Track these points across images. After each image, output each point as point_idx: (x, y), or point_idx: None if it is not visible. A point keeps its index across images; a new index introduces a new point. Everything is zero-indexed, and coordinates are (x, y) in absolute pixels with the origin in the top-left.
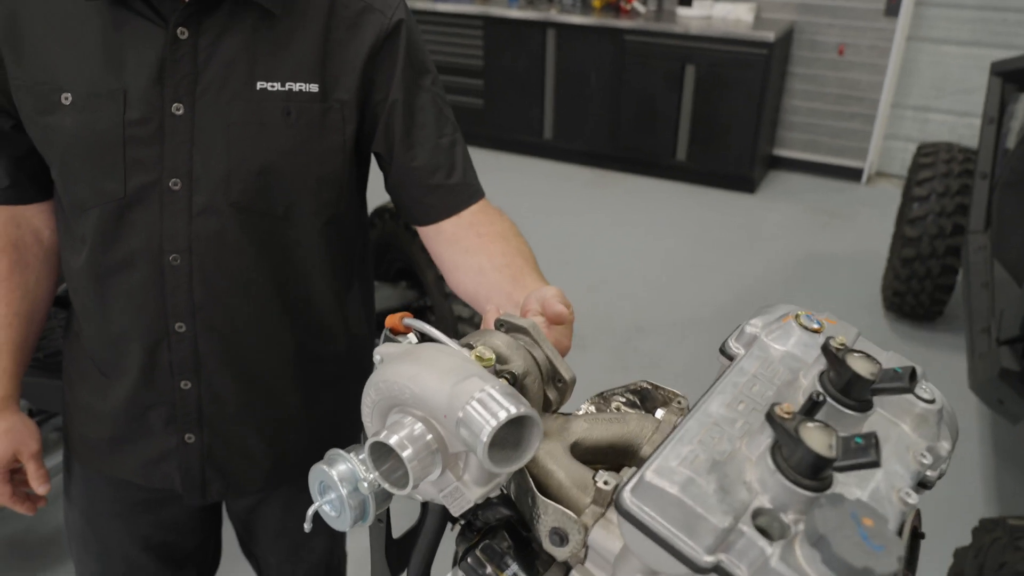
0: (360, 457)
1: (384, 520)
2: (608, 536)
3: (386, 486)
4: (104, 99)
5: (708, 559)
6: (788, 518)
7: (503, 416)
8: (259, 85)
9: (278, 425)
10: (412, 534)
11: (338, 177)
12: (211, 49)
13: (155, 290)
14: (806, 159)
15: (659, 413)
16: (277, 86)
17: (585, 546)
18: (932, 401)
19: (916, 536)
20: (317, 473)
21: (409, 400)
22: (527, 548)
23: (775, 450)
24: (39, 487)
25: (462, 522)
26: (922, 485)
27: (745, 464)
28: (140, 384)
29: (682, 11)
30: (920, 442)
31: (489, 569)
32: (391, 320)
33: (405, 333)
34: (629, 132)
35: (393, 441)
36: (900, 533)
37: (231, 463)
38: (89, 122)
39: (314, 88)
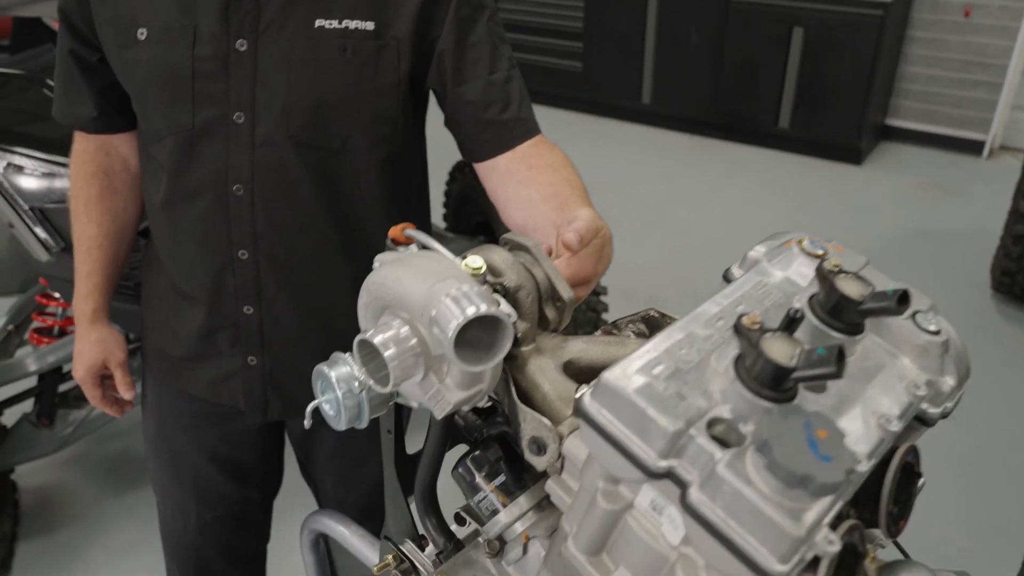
0: (353, 367)
1: (393, 432)
2: (581, 446)
3: (371, 383)
4: (176, 34)
5: (661, 463)
6: (746, 428)
7: (471, 312)
8: (317, 23)
9: (335, 350)
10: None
11: (393, 114)
12: None
13: (220, 218)
14: (922, 130)
15: None
16: (335, 23)
17: (561, 456)
18: (937, 333)
19: (911, 475)
20: (318, 373)
21: (393, 301)
22: (518, 461)
23: (739, 361)
24: (125, 392)
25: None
26: (921, 421)
27: (711, 375)
28: (208, 307)
29: None
30: (920, 375)
31: (478, 477)
32: (394, 231)
33: (407, 244)
34: (730, 97)
35: (377, 340)
36: (885, 465)
37: (289, 385)
38: (162, 56)
39: (369, 26)
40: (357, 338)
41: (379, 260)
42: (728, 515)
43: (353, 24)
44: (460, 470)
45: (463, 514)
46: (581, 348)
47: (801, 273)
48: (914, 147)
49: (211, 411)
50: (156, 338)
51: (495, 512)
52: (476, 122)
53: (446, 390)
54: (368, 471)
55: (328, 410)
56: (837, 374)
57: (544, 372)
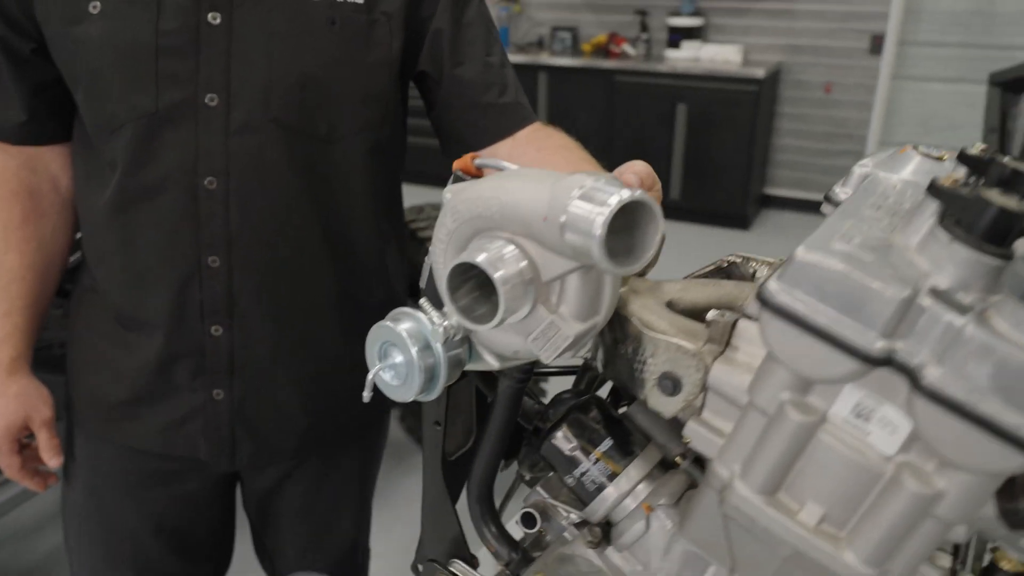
0: (430, 315)
1: (443, 425)
2: (733, 371)
3: (467, 324)
4: (136, 6)
5: (881, 345)
6: (969, 298)
7: (615, 201)
8: None
9: (316, 379)
10: (468, 456)
11: (384, 95)
12: None
13: (188, 219)
14: (797, 197)
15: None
16: None
17: (704, 389)
18: None
19: None
20: (380, 332)
21: (496, 215)
22: (619, 426)
23: (945, 220)
24: (51, 459)
25: (528, 428)
26: None
27: (903, 251)
28: (166, 332)
29: (671, 53)
30: None
31: (578, 445)
32: (461, 162)
33: (477, 176)
34: None
35: (480, 259)
36: None
37: (263, 422)
38: (119, 31)
39: None
40: (452, 262)
41: (450, 191)
42: (986, 389)
43: None
44: (552, 442)
45: (532, 511)
46: (679, 289)
47: (923, 175)
48: (792, 212)
49: (160, 468)
50: (90, 382)
51: (600, 488)
52: (475, 106)
53: (561, 321)
54: (341, 531)
55: (391, 379)
56: None
57: (652, 310)
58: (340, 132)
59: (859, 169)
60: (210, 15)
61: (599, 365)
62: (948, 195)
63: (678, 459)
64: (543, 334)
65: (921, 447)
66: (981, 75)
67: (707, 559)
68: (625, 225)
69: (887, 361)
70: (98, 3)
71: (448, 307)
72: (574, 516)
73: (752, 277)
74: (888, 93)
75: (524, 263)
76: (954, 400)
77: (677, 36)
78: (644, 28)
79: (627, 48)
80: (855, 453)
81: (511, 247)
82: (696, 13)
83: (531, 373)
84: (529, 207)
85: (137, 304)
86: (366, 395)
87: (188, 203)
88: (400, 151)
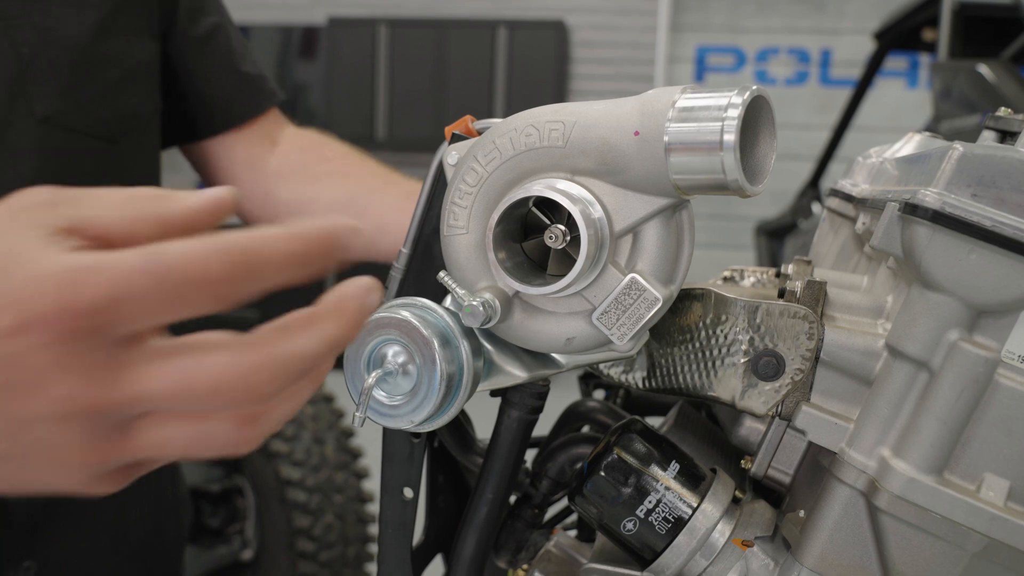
0: (455, 291)
1: (415, 492)
2: (849, 335)
3: (517, 286)
4: None
5: None
6: None
7: (739, 101)
8: None
9: None
10: (425, 549)
11: None
12: None
13: None
14: None
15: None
16: None
17: (814, 366)
18: None
19: None
20: (371, 328)
21: (559, 143)
22: (673, 447)
23: None
24: None
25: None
26: None
27: None
28: None
29: None
30: None
31: (642, 473)
32: (458, 124)
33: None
34: None
35: (554, 195)
36: None
37: None
38: None
39: None
40: (503, 205)
41: (456, 150)
42: None
43: None
44: (603, 475)
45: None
46: (722, 286)
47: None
48: None
49: None
50: None
51: (678, 522)
52: (218, 72)
53: (644, 282)
54: None
55: (385, 398)
56: None
57: (720, 288)
58: None
59: (864, 160)
60: None
61: (636, 378)
62: None
63: (737, 492)
64: (618, 303)
65: None
66: (728, 240)
67: None
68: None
69: None
70: None
71: (492, 267)
72: None
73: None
74: None
75: (592, 199)
76: None
77: None
78: None
79: None
80: None
81: (576, 186)
82: None
83: (544, 398)
84: (613, 124)
85: None
86: (359, 420)
87: None
88: None
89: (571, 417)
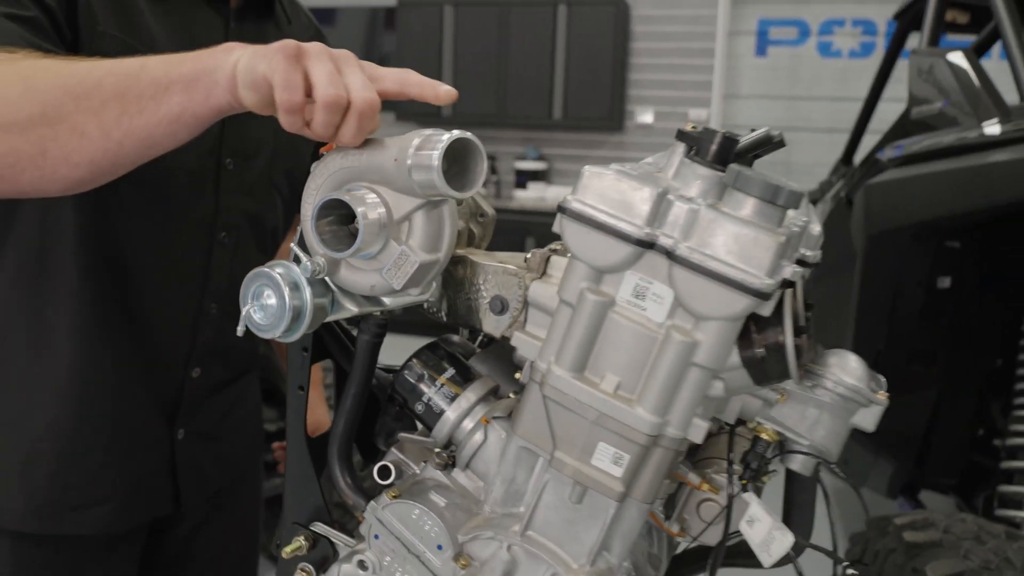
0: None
1: (306, 389)
2: (547, 287)
3: (330, 253)
4: None
5: (646, 231)
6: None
7: (446, 138)
8: None
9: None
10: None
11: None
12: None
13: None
14: None
15: None
16: None
17: (525, 306)
18: None
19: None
20: (254, 277)
21: (357, 165)
22: (461, 363)
23: (688, 153)
24: None
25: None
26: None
27: (663, 179)
28: (149, 376)
29: (519, 192)
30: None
31: (426, 373)
32: (325, 147)
33: None
34: None
35: (345, 197)
36: None
37: (207, 460)
38: None
39: None
40: (318, 201)
41: (317, 163)
42: (717, 252)
43: None
44: (405, 373)
45: (388, 465)
46: (507, 256)
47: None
48: None
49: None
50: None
51: (443, 409)
52: None
53: (410, 251)
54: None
55: (260, 319)
56: (781, 143)
57: (482, 256)
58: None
59: None
60: None
61: (444, 315)
62: (688, 135)
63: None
64: (395, 264)
65: (681, 312)
66: None
67: (536, 452)
68: (456, 159)
69: (651, 244)
70: None
71: (312, 240)
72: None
73: None
74: None
75: (378, 201)
76: (696, 263)
77: (523, 178)
78: (493, 171)
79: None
80: (637, 325)
81: (371, 194)
82: (540, 158)
83: (386, 327)
84: (382, 157)
85: (123, 351)
86: (240, 330)
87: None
88: None
89: (431, 346)
